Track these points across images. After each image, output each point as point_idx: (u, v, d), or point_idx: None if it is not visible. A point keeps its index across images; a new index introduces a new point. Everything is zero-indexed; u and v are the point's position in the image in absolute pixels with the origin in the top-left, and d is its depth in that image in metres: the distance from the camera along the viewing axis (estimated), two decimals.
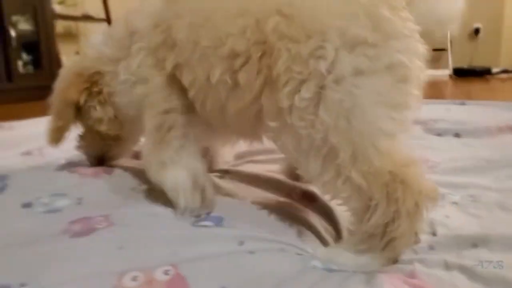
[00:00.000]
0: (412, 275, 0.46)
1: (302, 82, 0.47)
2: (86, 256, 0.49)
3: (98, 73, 0.71)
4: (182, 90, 0.62)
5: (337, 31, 0.45)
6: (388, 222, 0.46)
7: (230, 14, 0.53)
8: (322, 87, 0.46)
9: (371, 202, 0.47)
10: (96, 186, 0.72)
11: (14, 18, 2.53)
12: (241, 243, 0.53)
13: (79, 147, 0.81)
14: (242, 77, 0.53)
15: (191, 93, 0.61)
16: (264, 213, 0.63)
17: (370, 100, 0.46)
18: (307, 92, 0.46)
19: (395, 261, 0.49)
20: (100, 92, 0.72)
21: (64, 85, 0.73)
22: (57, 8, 2.89)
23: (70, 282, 0.44)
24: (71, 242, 0.53)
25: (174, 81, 0.62)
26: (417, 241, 0.51)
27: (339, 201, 0.51)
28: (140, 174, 0.73)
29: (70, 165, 0.80)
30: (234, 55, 0.53)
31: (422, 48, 0.48)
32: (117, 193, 0.70)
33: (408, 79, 0.47)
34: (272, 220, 0.62)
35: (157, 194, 0.67)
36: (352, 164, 0.47)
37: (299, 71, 0.47)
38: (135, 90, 0.65)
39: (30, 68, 2.67)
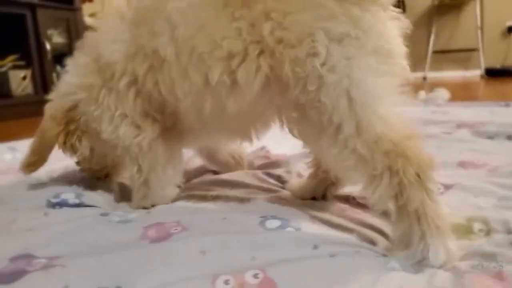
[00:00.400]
0: (499, 276, 0.46)
1: (306, 78, 0.53)
2: (171, 261, 0.50)
3: (72, 106, 0.72)
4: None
5: (323, 31, 0.52)
6: (396, 195, 0.50)
7: (223, 21, 0.57)
8: (320, 78, 0.52)
9: (375, 172, 0.51)
10: None
11: (49, 32, 2.62)
12: (316, 246, 0.54)
13: (81, 170, 0.84)
14: (240, 76, 0.57)
15: (186, 103, 0.63)
16: (326, 216, 0.64)
17: (363, 75, 0.52)
18: (311, 85, 0.53)
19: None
20: (77, 128, 0.74)
21: (42, 126, 0.75)
22: (88, 20, 2.97)
23: (164, 286, 0.45)
24: (152, 247, 0.54)
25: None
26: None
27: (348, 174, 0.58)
28: (205, 182, 0.75)
29: None
30: (231, 55, 0.57)
31: (396, 29, 0.56)
32: (183, 200, 0.72)
33: (391, 53, 0.54)
34: (336, 223, 0.62)
35: (224, 199, 0.69)
36: (357, 136, 0.52)
37: (302, 71, 0.53)
38: (121, 129, 0.68)
39: None
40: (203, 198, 0.74)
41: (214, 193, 0.75)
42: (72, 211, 0.69)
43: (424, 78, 3.61)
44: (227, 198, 0.73)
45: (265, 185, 0.80)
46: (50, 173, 0.86)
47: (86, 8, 2.94)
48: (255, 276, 0.46)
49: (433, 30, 3.65)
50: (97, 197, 0.76)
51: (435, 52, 3.69)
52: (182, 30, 0.59)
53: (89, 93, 0.70)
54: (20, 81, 2.49)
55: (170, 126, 0.70)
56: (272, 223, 0.62)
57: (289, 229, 0.60)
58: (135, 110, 0.67)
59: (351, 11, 0.53)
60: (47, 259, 0.52)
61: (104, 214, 0.67)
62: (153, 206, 0.72)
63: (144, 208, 0.72)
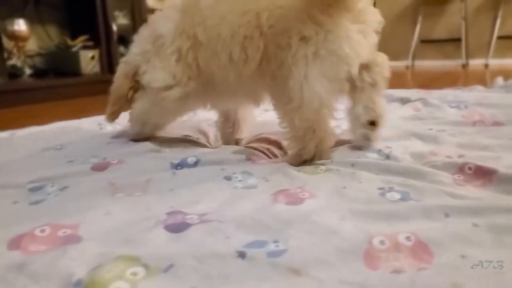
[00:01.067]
0: None
1: (282, 62, 0.74)
2: (318, 220, 0.54)
3: (136, 71, 0.91)
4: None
5: (296, 31, 0.72)
6: (303, 149, 0.78)
7: (239, 13, 0.77)
8: (288, 65, 0.73)
9: (297, 134, 0.77)
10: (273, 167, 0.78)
11: (115, 13, 2.71)
12: (447, 215, 0.56)
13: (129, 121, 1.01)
14: (249, 52, 0.77)
15: (218, 75, 0.83)
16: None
17: (315, 73, 0.72)
18: (284, 68, 0.74)
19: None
20: (139, 87, 0.93)
21: (117, 83, 0.94)
22: (150, 2, 3.05)
23: (312, 238, 0.49)
24: (291, 209, 0.58)
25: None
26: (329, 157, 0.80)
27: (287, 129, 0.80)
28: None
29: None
30: (244, 38, 0.77)
31: (355, 34, 0.73)
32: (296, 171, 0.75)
33: (342, 58, 0.72)
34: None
35: (341, 172, 0.71)
36: (295, 111, 0.75)
37: (281, 55, 0.74)
38: (169, 91, 0.87)
39: None
40: (314, 170, 0.77)
41: (323, 166, 0.77)
42: (195, 171, 0.74)
43: (486, 66, 3.47)
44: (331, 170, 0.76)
45: None
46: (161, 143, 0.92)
47: None
48: (408, 238, 0.49)
49: (500, 14, 3.48)
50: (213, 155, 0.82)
51: (500, 37, 3.52)
52: (210, 21, 0.80)
53: (144, 56, 0.89)
54: (89, 61, 2.61)
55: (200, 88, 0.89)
56: (393, 195, 0.64)
57: (411, 202, 0.62)
58: (175, 67, 0.85)
59: (318, 17, 0.71)
60: (198, 215, 0.57)
61: (227, 182, 0.72)
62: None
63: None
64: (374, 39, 0.79)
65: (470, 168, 0.71)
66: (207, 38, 0.81)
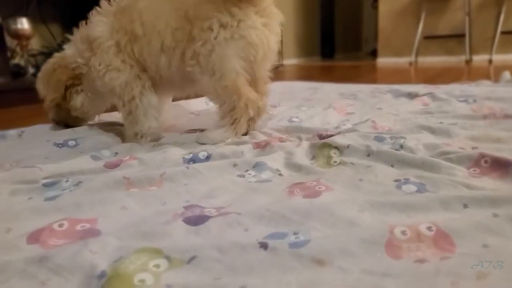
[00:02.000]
0: None
1: (204, 42, 0.91)
2: (337, 212, 0.54)
3: (78, 67, 1.04)
4: (140, 72, 1.00)
5: (216, 19, 0.90)
6: (231, 111, 0.95)
7: (172, 10, 0.94)
8: (212, 45, 0.91)
9: (223, 101, 0.96)
10: (286, 160, 0.78)
11: None
12: (465, 206, 0.56)
13: (51, 115, 1.14)
14: (178, 37, 0.94)
15: (149, 61, 0.98)
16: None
17: (231, 52, 0.91)
18: (208, 46, 0.91)
19: (244, 134, 0.99)
20: (75, 84, 1.06)
21: (58, 71, 1.05)
22: None
23: (333, 229, 0.49)
24: (309, 202, 0.58)
25: (136, 68, 1.00)
26: (252, 126, 1.03)
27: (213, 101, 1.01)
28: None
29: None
30: (175, 29, 0.94)
31: (260, 25, 0.93)
32: (309, 164, 0.75)
33: (250, 43, 0.92)
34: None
35: (356, 165, 0.71)
36: (218, 81, 0.93)
37: (203, 37, 0.91)
38: (107, 76, 0.98)
39: None
40: (327, 163, 0.77)
41: (337, 158, 0.77)
42: (207, 165, 0.74)
43: (490, 61, 3.45)
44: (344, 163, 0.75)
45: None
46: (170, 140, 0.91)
47: None
48: (429, 228, 0.48)
49: (503, 9, 3.46)
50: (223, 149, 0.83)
51: (504, 33, 3.51)
52: (147, 17, 0.96)
53: (83, 59, 1.02)
54: None
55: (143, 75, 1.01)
56: (410, 188, 0.64)
57: (427, 193, 0.62)
58: (115, 60, 0.98)
59: (231, 9, 0.90)
60: (215, 208, 0.57)
61: (241, 176, 0.71)
62: (143, 139, 0.99)
63: (137, 140, 1.00)
64: (278, 34, 0.97)
65: (486, 161, 0.71)
66: (141, 32, 0.96)
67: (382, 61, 4.22)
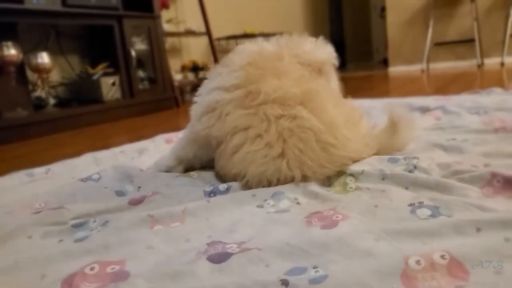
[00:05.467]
0: None
1: None
2: (353, 242, 0.56)
3: None
4: None
5: None
6: None
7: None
8: None
9: None
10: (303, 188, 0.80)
11: (133, 39, 2.80)
12: (478, 229, 0.57)
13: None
14: None
15: None
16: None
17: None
18: None
19: None
20: None
21: None
22: (165, 26, 3.14)
23: (350, 261, 0.51)
24: (327, 233, 0.60)
25: None
26: None
27: None
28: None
29: None
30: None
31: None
32: (326, 191, 0.77)
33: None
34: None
35: (371, 190, 0.73)
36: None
37: None
38: None
39: (146, 83, 2.93)
40: (344, 189, 0.79)
41: (353, 184, 0.79)
42: (228, 198, 0.77)
43: (502, 64, 3.43)
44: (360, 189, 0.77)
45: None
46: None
47: (163, 15, 3.11)
48: (443, 257, 0.50)
49: (511, 12, 3.44)
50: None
51: None
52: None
53: None
54: (110, 87, 2.69)
55: None
56: (424, 212, 0.66)
57: (441, 217, 0.63)
58: None
59: None
60: (237, 244, 0.60)
61: (260, 207, 0.74)
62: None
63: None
64: None
65: (498, 181, 0.72)
66: None
67: (394, 70, 4.22)
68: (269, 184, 0.81)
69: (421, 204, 0.68)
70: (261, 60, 0.89)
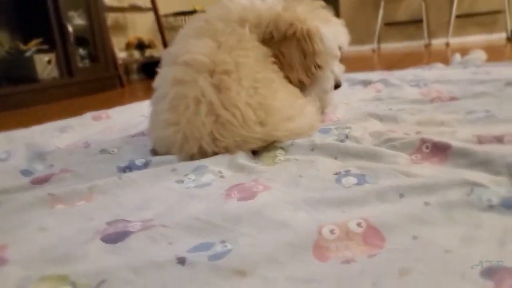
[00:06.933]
0: None
1: None
2: (269, 214, 0.51)
3: None
4: None
5: None
6: None
7: None
8: None
9: None
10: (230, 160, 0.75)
11: (69, 14, 2.60)
12: (401, 195, 0.54)
13: None
14: None
15: None
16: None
17: None
18: None
19: None
20: None
21: None
22: (107, 0, 2.94)
23: (262, 234, 0.46)
24: (242, 205, 0.55)
25: None
26: None
27: None
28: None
29: None
30: None
31: None
32: (254, 163, 0.72)
33: None
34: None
35: (299, 161, 0.69)
36: None
37: None
38: None
39: (87, 62, 2.75)
40: (272, 161, 0.74)
41: (282, 157, 0.75)
42: (143, 174, 0.70)
43: (447, 44, 3.52)
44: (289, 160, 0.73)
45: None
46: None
47: None
48: (359, 224, 0.46)
49: None
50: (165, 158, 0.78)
51: (459, 16, 3.57)
52: None
53: None
54: (46, 65, 2.50)
55: None
56: (349, 180, 0.62)
57: (366, 185, 0.60)
58: None
59: None
60: (142, 222, 0.53)
61: (179, 182, 0.68)
62: None
63: None
64: None
65: (427, 147, 0.70)
66: None
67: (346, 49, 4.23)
68: (169, 151, 0.76)
69: (347, 173, 0.65)
70: (218, 19, 0.84)
